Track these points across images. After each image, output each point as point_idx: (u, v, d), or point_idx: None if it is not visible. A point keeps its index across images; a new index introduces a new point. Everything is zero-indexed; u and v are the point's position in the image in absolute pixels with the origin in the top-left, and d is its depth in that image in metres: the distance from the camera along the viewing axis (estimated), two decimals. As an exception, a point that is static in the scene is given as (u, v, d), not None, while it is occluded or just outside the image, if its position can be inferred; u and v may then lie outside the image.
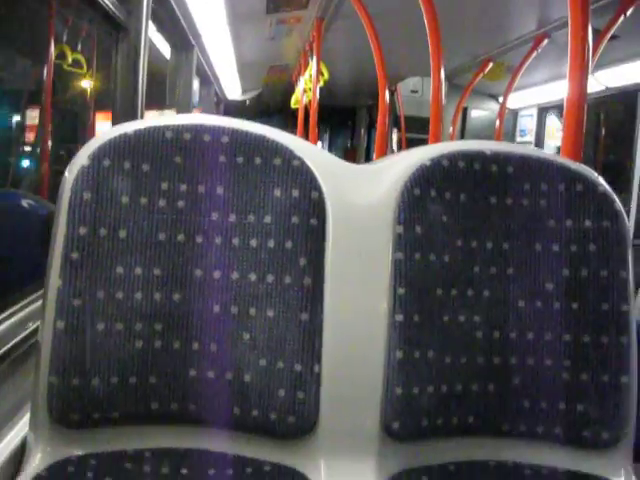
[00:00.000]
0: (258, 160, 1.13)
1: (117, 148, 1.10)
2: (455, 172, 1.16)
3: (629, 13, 3.62)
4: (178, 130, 1.12)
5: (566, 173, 1.20)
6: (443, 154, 1.17)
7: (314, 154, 1.16)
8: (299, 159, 1.13)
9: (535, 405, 1.17)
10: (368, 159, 11.02)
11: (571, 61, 1.91)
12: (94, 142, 1.10)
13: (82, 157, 1.09)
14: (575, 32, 1.89)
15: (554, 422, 1.17)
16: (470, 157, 1.18)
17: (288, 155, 1.13)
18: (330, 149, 12.48)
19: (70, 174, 1.09)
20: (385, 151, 4.56)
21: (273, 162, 1.13)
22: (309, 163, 1.14)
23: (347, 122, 12.01)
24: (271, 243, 1.12)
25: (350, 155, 11.52)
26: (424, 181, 1.15)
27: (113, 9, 2.22)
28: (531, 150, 1.25)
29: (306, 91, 6.81)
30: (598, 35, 3.66)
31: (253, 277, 1.11)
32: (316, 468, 1.11)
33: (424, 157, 1.17)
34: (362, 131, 11.39)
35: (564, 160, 1.24)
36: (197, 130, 1.12)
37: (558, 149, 7.21)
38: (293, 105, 8.03)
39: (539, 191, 1.19)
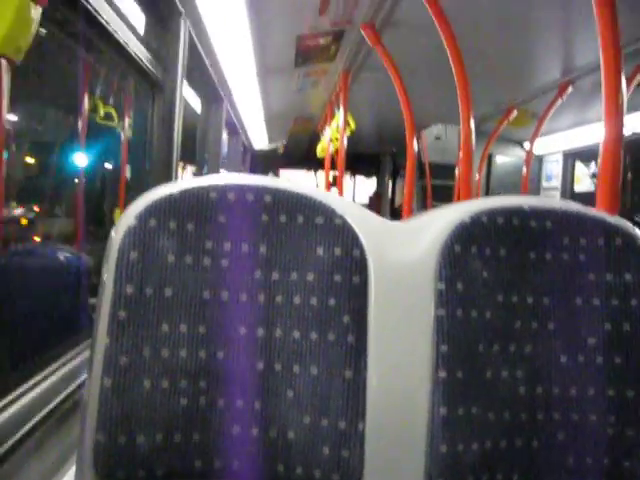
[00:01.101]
0: (300, 219, 1.15)
1: (163, 208, 1.12)
2: (494, 228, 1.17)
3: None
4: (222, 190, 1.14)
5: (604, 227, 1.20)
6: (482, 210, 1.18)
7: (355, 212, 1.18)
8: (340, 217, 1.15)
9: (580, 461, 1.16)
10: (393, 204, 11.05)
11: (606, 107, 1.91)
12: (140, 202, 1.13)
13: (129, 217, 1.12)
14: (609, 77, 1.90)
15: (599, 478, 1.16)
16: (509, 213, 1.19)
17: (330, 214, 1.15)
18: (354, 195, 12.53)
19: (117, 234, 1.11)
20: (413, 198, 4.58)
21: (315, 221, 1.15)
22: (350, 221, 1.16)
23: (371, 169, 12.07)
24: (314, 301, 1.13)
25: (375, 201, 11.55)
26: (464, 238, 1.16)
27: (150, 67, 2.29)
28: (570, 205, 1.26)
29: (332, 140, 6.89)
30: (627, 81, 3.69)
31: (297, 334, 1.12)
32: None
33: (464, 214, 1.18)
34: (386, 177, 11.44)
35: (602, 214, 1.25)
36: (240, 190, 1.15)
37: (586, 194, 7.21)
38: (319, 154, 8.11)
39: (578, 245, 1.19)
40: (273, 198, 1.15)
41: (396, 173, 11.24)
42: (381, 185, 11.77)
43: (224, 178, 1.17)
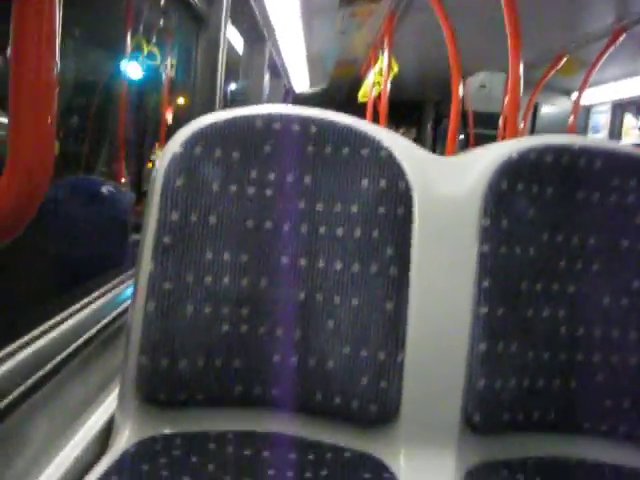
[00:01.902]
0: (346, 150, 1.14)
1: (208, 136, 1.12)
2: (542, 166, 1.15)
3: None
4: (268, 119, 1.14)
5: None
6: (531, 147, 1.16)
7: (401, 145, 1.17)
8: (386, 149, 1.14)
9: (618, 404, 1.16)
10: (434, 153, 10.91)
11: None
12: (186, 130, 1.13)
13: (175, 144, 1.12)
14: None
15: (638, 422, 1.15)
16: (558, 151, 1.16)
17: (376, 145, 1.14)
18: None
19: (163, 161, 1.12)
20: (455, 146, 4.52)
21: (361, 152, 1.14)
22: (396, 154, 1.14)
23: (414, 117, 11.91)
24: (358, 232, 1.13)
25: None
26: (511, 174, 1.14)
27: (195, 1, 2.26)
28: (619, 146, 1.22)
29: (375, 85, 6.79)
30: None
31: (339, 266, 1.13)
32: (396, 457, 1.11)
33: (512, 150, 1.16)
34: (428, 126, 11.30)
35: None
36: (286, 120, 1.14)
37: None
38: (361, 99, 8.01)
39: (627, 187, 1.16)
40: (319, 128, 1.14)
41: (438, 122, 11.08)
42: (422, 134, 11.62)
43: (270, 107, 1.17)
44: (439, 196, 1.16)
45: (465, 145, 8.70)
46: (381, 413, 1.11)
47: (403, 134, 1.22)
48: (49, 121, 0.77)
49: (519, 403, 1.14)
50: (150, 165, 4.44)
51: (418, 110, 11.58)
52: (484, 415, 1.11)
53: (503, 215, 1.13)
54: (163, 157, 1.12)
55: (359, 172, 1.14)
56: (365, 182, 1.13)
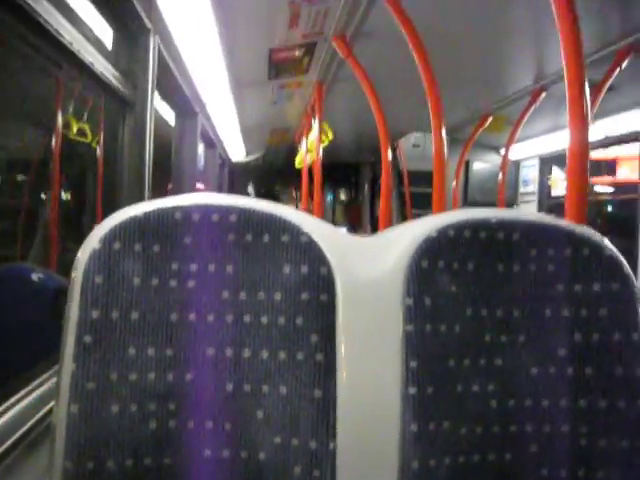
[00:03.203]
0: (266, 237, 1.14)
1: (127, 231, 1.11)
2: (461, 242, 1.17)
3: (624, 66, 3.69)
4: (187, 211, 1.13)
5: (572, 237, 1.20)
6: (449, 224, 1.18)
7: (321, 229, 1.17)
8: (307, 235, 1.14)
9: (554, 473, 1.16)
10: (372, 212, 11.06)
11: (570, 115, 1.92)
12: (105, 225, 1.12)
13: (93, 240, 1.10)
14: (572, 85, 1.91)
15: None
16: (476, 226, 1.18)
17: (296, 231, 1.14)
18: (334, 205, 12.54)
19: (82, 257, 1.10)
20: (390, 209, 4.59)
21: (281, 239, 1.14)
22: (316, 238, 1.15)
23: (351, 179, 12.10)
24: (282, 320, 1.12)
25: (355, 210, 11.57)
26: (431, 252, 1.16)
27: (118, 85, 2.27)
28: (536, 216, 1.26)
29: (310, 151, 6.89)
30: (596, 88, 3.73)
31: (265, 354, 1.11)
32: None
33: (430, 228, 1.18)
34: (366, 187, 11.46)
35: (569, 224, 1.25)
36: (206, 210, 1.14)
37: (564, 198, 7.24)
38: (298, 165, 8.12)
39: (546, 256, 1.19)
40: (238, 217, 1.14)
41: (375, 182, 11.26)
42: (360, 194, 11.78)
43: (189, 198, 1.16)
44: (361, 279, 1.16)
45: (402, 204, 8.84)
46: None
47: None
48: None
49: None
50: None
51: (355, 172, 11.77)
52: None
53: (426, 294, 1.14)
54: (82, 254, 1.10)
55: (281, 259, 1.14)
56: (287, 269, 1.13)
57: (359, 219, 11.31)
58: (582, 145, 1.90)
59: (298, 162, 8.04)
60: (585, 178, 1.90)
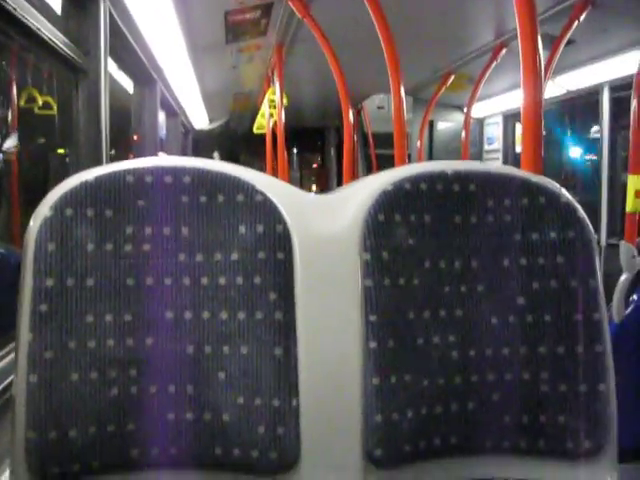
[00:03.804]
0: (221, 198, 1.13)
1: (79, 196, 1.09)
2: (418, 194, 1.17)
3: (582, 19, 3.69)
4: (139, 173, 1.11)
5: (528, 187, 1.21)
6: (405, 177, 1.18)
7: (276, 188, 1.17)
8: (262, 194, 1.14)
9: (516, 420, 1.18)
10: (339, 177, 11.05)
11: (524, 71, 1.92)
12: (56, 192, 1.10)
13: (44, 208, 1.08)
14: (525, 41, 1.91)
15: (537, 435, 1.17)
16: (432, 178, 1.18)
17: (250, 191, 1.13)
18: (301, 171, 12.49)
19: (34, 225, 1.08)
20: (354, 170, 4.59)
21: (236, 199, 1.13)
22: (272, 197, 1.14)
23: (316, 143, 12.03)
24: (240, 280, 1.11)
25: (323, 174, 11.54)
26: (387, 206, 1.15)
27: (69, 52, 2.22)
28: (492, 167, 1.26)
29: (271, 116, 6.84)
30: (555, 41, 3.73)
31: (224, 315, 1.11)
32: None
33: (386, 182, 1.17)
34: (332, 151, 11.42)
35: (525, 174, 1.25)
36: (158, 172, 1.12)
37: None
38: (256, 130, 8.03)
39: (503, 207, 1.19)
40: (192, 178, 1.13)
41: (341, 146, 11.22)
42: (327, 159, 11.74)
43: (141, 161, 1.15)
44: (318, 236, 1.16)
45: (369, 166, 8.83)
46: (282, 460, 1.10)
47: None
48: None
49: (419, 432, 1.14)
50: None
51: (320, 136, 11.71)
52: (385, 449, 1.11)
53: (383, 248, 1.14)
54: (33, 222, 1.08)
55: (236, 219, 1.13)
56: (242, 229, 1.12)
57: (326, 184, 11.29)
58: (536, 99, 1.91)
59: (257, 127, 7.96)
60: (539, 131, 1.91)
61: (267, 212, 1.13)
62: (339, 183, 10.85)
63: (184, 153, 8.40)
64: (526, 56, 1.91)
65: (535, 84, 1.90)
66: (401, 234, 1.16)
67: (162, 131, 6.01)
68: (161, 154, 5.16)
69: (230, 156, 11.99)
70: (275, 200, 1.14)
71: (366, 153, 8.82)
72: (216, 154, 11.96)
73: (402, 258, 1.16)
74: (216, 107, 8.11)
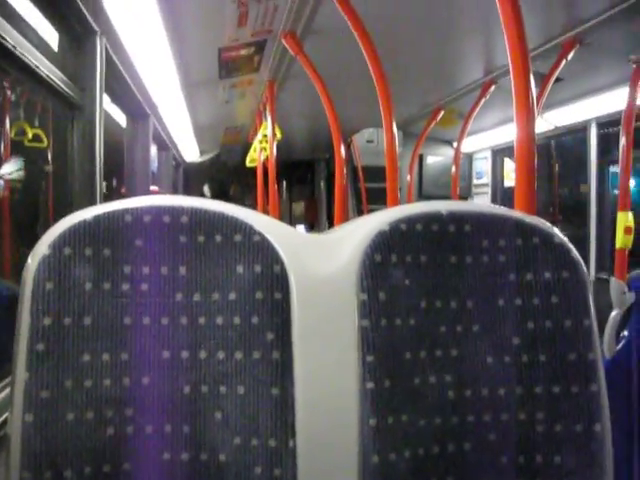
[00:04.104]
0: (219, 238, 1.14)
1: (77, 235, 1.09)
2: (414, 235, 1.18)
3: (570, 57, 3.76)
4: (137, 213, 1.12)
5: (522, 227, 1.22)
6: (400, 218, 1.19)
7: (274, 228, 1.18)
8: (259, 234, 1.14)
9: (513, 460, 1.18)
10: (329, 209, 11.09)
11: (517, 106, 1.95)
12: (54, 230, 1.10)
13: (43, 246, 1.09)
14: (518, 77, 1.94)
15: (534, 476, 1.17)
16: (427, 219, 1.20)
17: (248, 230, 1.14)
18: (291, 203, 12.51)
19: (32, 264, 1.08)
20: (345, 204, 4.60)
21: (234, 239, 1.14)
22: (269, 237, 1.15)
23: (306, 176, 12.08)
24: (237, 320, 1.12)
25: (312, 207, 11.56)
26: (384, 247, 1.17)
27: (66, 88, 2.24)
28: (486, 207, 1.28)
29: (262, 150, 6.87)
30: (544, 80, 3.79)
31: (221, 355, 1.11)
32: None
33: (382, 222, 1.19)
34: (322, 183, 11.46)
35: (519, 214, 1.27)
36: (156, 212, 1.13)
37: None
38: (248, 164, 8.07)
39: (497, 247, 1.21)
40: (190, 218, 1.14)
41: (331, 179, 11.26)
42: (317, 191, 11.78)
43: (139, 200, 1.15)
44: (315, 276, 1.17)
45: (358, 199, 8.86)
46: None
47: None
48: None
49: (416, 472, 1.14)
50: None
51: (310, 169, 11.76)
52: None
53: (380, 288, 1.15)
54: (31, 260, 1.09)
55: (233, 259, 1.13)
56: (240, 269, 1.13)
57: (316, 217, 11.31)
58: (529, 136, 1.93)
59: (249, 161, 7.99)
60: (532, 168, 1.93)
61: (265, 252, 1.14)
62: (329, 215, 10.89)
63: (175, 186, 8.42)
64: (519, 92, 1.94)
65: (528, 119, 1.93)
66: (397, 274, 1.17)
67: (154, 164, 6.03)
68: (153, 187, 5.17)
69: (220, 189, 12.01)
70: (272, 240, 1.15)
71: (355, 186, 8.85)
72: (206, 187, 11.98)
73: (398, 298, 1.16)
74: (207, 140, 8.15)
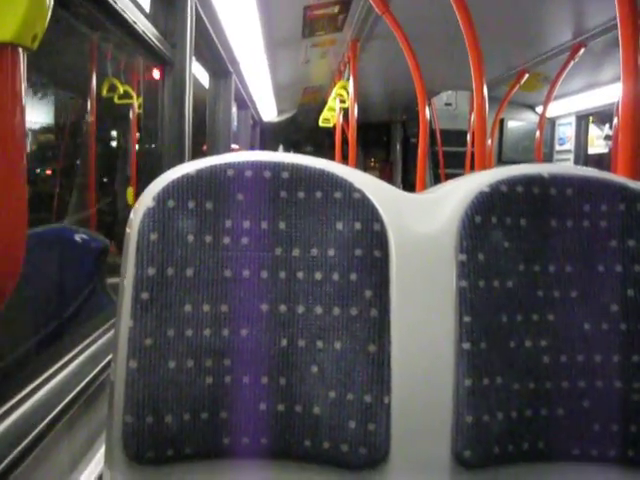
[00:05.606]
0: (319, 194, 1.14)
1: (180, 188, 1.12)
2: (514, 197, 1.17)
3: None
4: (239, 167, 1.14)
5: (626, 193, 1.19)
6: (501, 180, 1.17)
7: (373, 186, 1.17)
8: (359, 191, 1.15)
9: (606, 428, 1.16)
10: (405, 172, 10.99)
11: (624, 66, 1.86)
12: (158, 183, 1.13)
13: (147, 199, 1.12)
14: (626, 39, 1.85)
15: (627, 445, 1.16)
16: (528, 181, 1.18)
17: (348, 188, 1.15)
18: (365, 165, 12.45)
19: (136, 216, 1.11)
20: (426, 167, 4.55)
21: (334, 196, 1.14)
22: (369, 195, 1.15)
23: (382, 138, 11.97)
24: (335, 276, 1.13)
25: (387, 169, 11.48)
26: (484, 208, 1.15)
27: (159, 44, 2.27)
28: (590, 171, 1.24)
29: (329, 110, 6.83)
30: None
31: (319, 310, 1.13)
32: None
33: (483, 183, 1.17)
34: (397, 146, 11.36)
35: (623, 179, 1.23)
36: (258, 167, 1.14)
37: (600, 156, 7.14)
38: (322, 124, 8.04)
39: (599, 212, 1.18)
40: (291, 174, 1.15)
41: (407, 141, 11.15)
42: (392, 153, 11.68)
43: (241, 156, 1.17)
44: (414, 235, 1.16)
45: (435, 163, 8.76)
46: (371, 455, 1.11)
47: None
48: (21, 192, 0.77)
49: (508, 435, 1.14)
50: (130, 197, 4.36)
51: (386, 131, 11.65)
52: (474, 450, 1.11)
53: (479, 249, 1.14)
54: (136, 212, 1.12)
55: (333, 215, 1.14)
56: (340, 225, 1.14)
57: (391, 179, 11.24)
58: (636, 98, 1.85)
59: (322, 120, 7.95)
60: (637, 133, 1.85)
61: (364, 210, 1.14)
62: (404, 178, 10.81)
63: (252, 145, 8.48)
64: (627, 52, 1.85)
65: (635, 81, 1.85)
66: (497, 236, 1.16)
67: (234, 123, 6.08)
68: (233, 146, 5.22)
69: (295, 149, 12.03)
70: (372, 198, 1.15)
71: (433, 150, 8.74)
72: (281, 147, 12.03)
73: (497, 260, 1.15)
74: (285, 100, 8.16)
